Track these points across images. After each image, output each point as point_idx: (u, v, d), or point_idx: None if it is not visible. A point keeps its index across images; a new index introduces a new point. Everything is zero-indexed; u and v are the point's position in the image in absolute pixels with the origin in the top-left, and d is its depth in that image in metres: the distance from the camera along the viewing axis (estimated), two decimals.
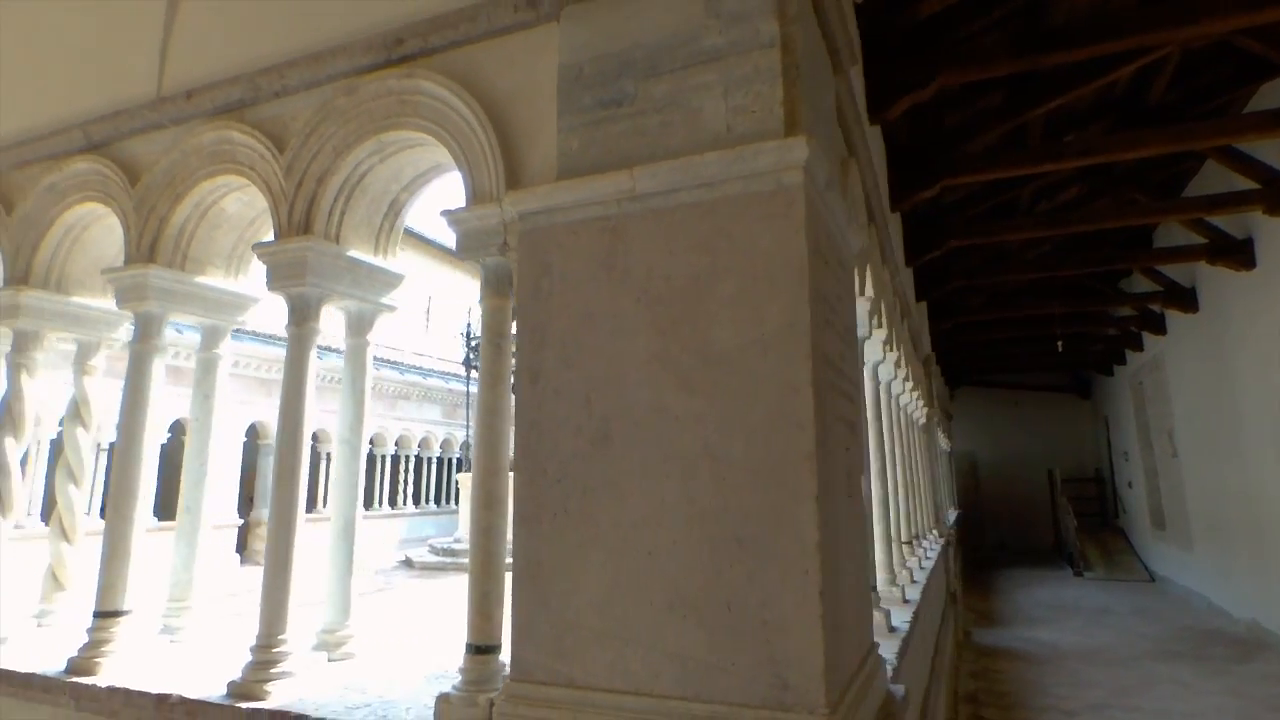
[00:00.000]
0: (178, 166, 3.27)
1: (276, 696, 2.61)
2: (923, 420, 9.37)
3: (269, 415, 15.36)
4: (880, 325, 4.73)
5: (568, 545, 2.21)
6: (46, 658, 3.14)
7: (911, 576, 5.42)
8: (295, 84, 3.01)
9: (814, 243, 2.19)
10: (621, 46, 2.41)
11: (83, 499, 3.75)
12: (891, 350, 5.43)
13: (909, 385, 7.25)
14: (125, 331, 3.82)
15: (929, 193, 6.65)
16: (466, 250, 2.61)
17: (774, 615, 1.96)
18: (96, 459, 12.18)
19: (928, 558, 6.97)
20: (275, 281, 2.96)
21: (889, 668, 2.99)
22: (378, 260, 3.18)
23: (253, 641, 2.76)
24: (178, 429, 13.16)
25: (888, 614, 3.76)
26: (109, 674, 2.94)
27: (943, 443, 15.84)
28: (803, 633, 1.93)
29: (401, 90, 2.81)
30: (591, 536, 2.19)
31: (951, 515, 15.13)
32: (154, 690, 2.74)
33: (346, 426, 3.15)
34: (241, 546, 15.69)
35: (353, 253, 3.07)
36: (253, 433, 15.86)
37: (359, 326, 3.21)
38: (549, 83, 2.54)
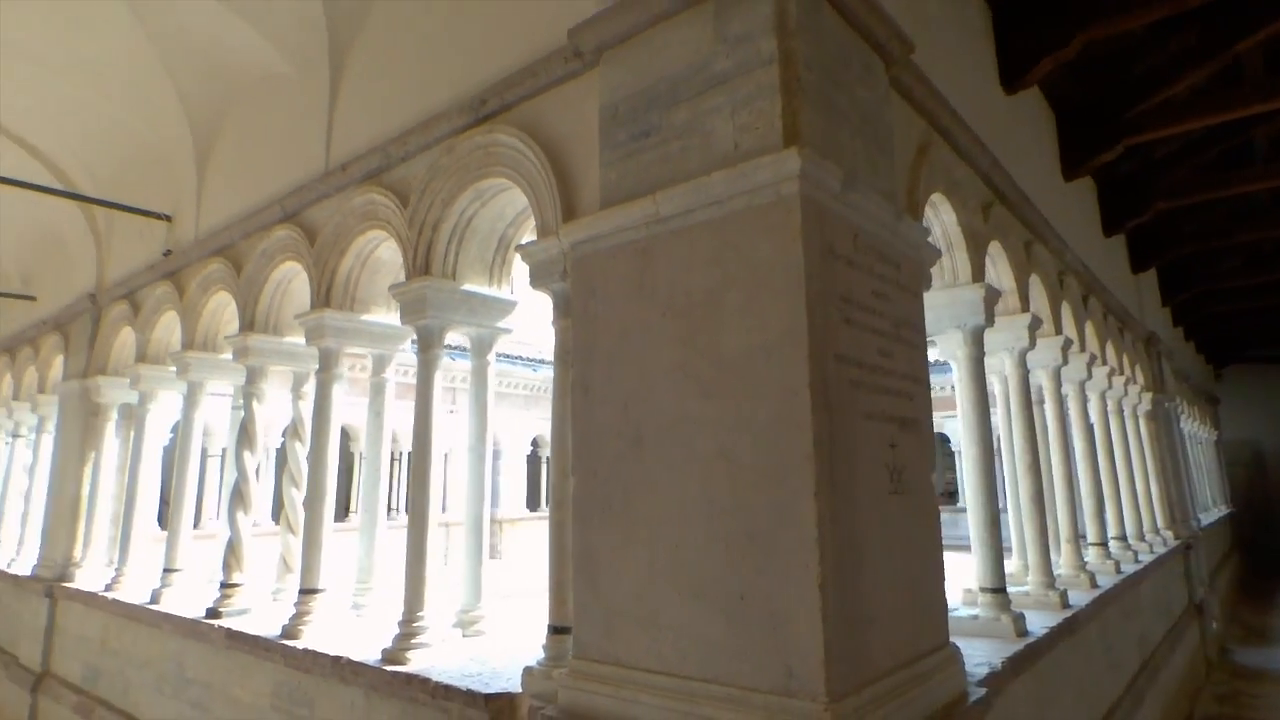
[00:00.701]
0: (340, 226, 3.99)
1: (415, 662, 3.14)
2: (1146, 407, 8.30)
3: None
4: (1023, 309, 4.41)
5: (613, 539, 2.47)
6: (271, 625, 3.98)
7: (1094, 580, 4.93)
8: (413, 149, 3.58)
9: (824, 246, 2.26)
10: (648, 82, 2.63)
11: (301, 499, 4.63)
12: (1053, 334, 4.99)
13: (1107, 369, 6.52)
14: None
15: (1109, 155, 5.97)
16: (536, 280, 2.97)
17: (780, 606, 2.07)
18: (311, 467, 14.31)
19: (1138, 560, 6.20)
20: (405, 316, 3.53)
21: (985, 670, 2.88)
22: (491, 290, 3.65)
23: (399, 617, 3.33)
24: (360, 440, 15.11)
25: (1019, 617, 3.54)
26: (307, 639, 3.67)
27: (1202, 431, 13.71)
28: (804, 624, 2.02)
29: (486, 144, 3.24)
30: (632, 531, 2.43)
31: (1214, 513, 13.04)
32: (332, 653, 3.40)
33: (474, 435, 3.65)
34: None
35: (467, 286, 3.56)
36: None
37: (479, 349, 3.70)
38: (595, 123, 2.81)
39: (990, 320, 3.85)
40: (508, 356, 16.50)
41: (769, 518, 2.13)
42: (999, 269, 4.43)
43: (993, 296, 3.85)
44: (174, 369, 5.30)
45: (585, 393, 2.65)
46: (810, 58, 2.38)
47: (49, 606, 6.01)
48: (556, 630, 2.73)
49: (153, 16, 4.59)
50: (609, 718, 2.34)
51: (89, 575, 5.94)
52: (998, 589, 3.62)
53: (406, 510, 4.66)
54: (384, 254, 4.08)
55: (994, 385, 4.62)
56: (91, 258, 6.60)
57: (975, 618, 3.60)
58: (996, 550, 3.67)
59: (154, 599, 4.84)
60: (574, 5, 2.89)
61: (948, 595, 2.72)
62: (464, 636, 3.45)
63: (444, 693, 2.87)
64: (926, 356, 2.82)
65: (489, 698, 2.73)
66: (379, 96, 3.89)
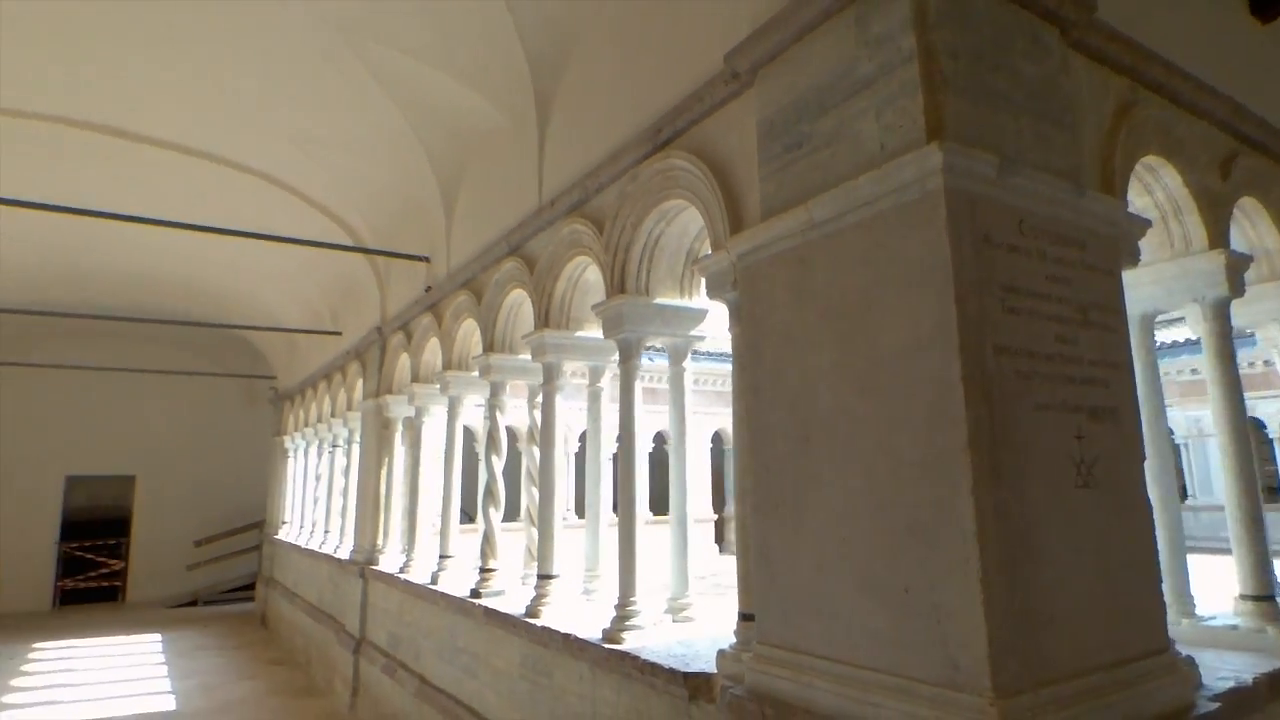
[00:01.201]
0: (553, 255, 4.52)
1: (628, 642, 3.50)
2: None
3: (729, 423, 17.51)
4: None
5: (786, 532, 2.62)
6: (519, 605, 4.60)
7: None
8: (605, 180, 3.97)
9: (977, 236, 2.23)
10: (798, 94, 2.74)
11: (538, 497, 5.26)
12: None
13: None
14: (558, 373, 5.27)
15: None
16: (711, 291, 3.19)
17: (942, 600, 2.10)
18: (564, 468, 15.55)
19: None
20: (607, 331, 3.93)
21: (1230, 684, 2.57)
22: (682, 302, 3.93)
23: (614, 601, 3.72)
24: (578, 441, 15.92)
25: None
26: (545, 618, 4.21)
27: None
28: (967, 618, 2.03)
29: (664, 169, 3.53)
30: (802, 524, 2.56)
31: None
32: (563, 630, 3.88)
33: (676, 437, 3.95)
34: (719, 538, 18.14)
35: (659, 300, 3.87)
36: (717, 439, 18.22)
37: (676, 356, 3.99)
38: (755, 139, 2.97)
39: (1238, 290, 3.37)
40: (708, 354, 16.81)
41: (929, 511, 2.15)
42: (1259, 228, 3.83)
43: (1239, 263, 3.36)
44: (438, 386, 6.26)
45: (756, 394, 2.82)
46: (956, 46, 2.35)
47: (362, 585, 7.35)
48: (744, 617, 2.92)
49: (401, 94, 5.51)
50: (789, 700, 2.49)
51: (389, 559, 7.17)
52: (1263, 596, 3.16)
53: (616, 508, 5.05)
54: (591, 276, 4.53)
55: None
56: (376, 297, 7.96)
57: (1235, 628, 3.18)
58: (1259, 552, 3.21)
59: (433, 580, 5.76)
60: (731, 30, 3.07)
61: (1210, 602, 2.48)
62: (674, 622, 3.75)
63: (650, 669, 3.18)
64: (1126, 339, 2.60)
65: (687, 676, 3.00)
66: (576, 137, 4.36)
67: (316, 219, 7.75)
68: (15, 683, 8.65)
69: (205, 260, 9.59)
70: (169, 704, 7.67)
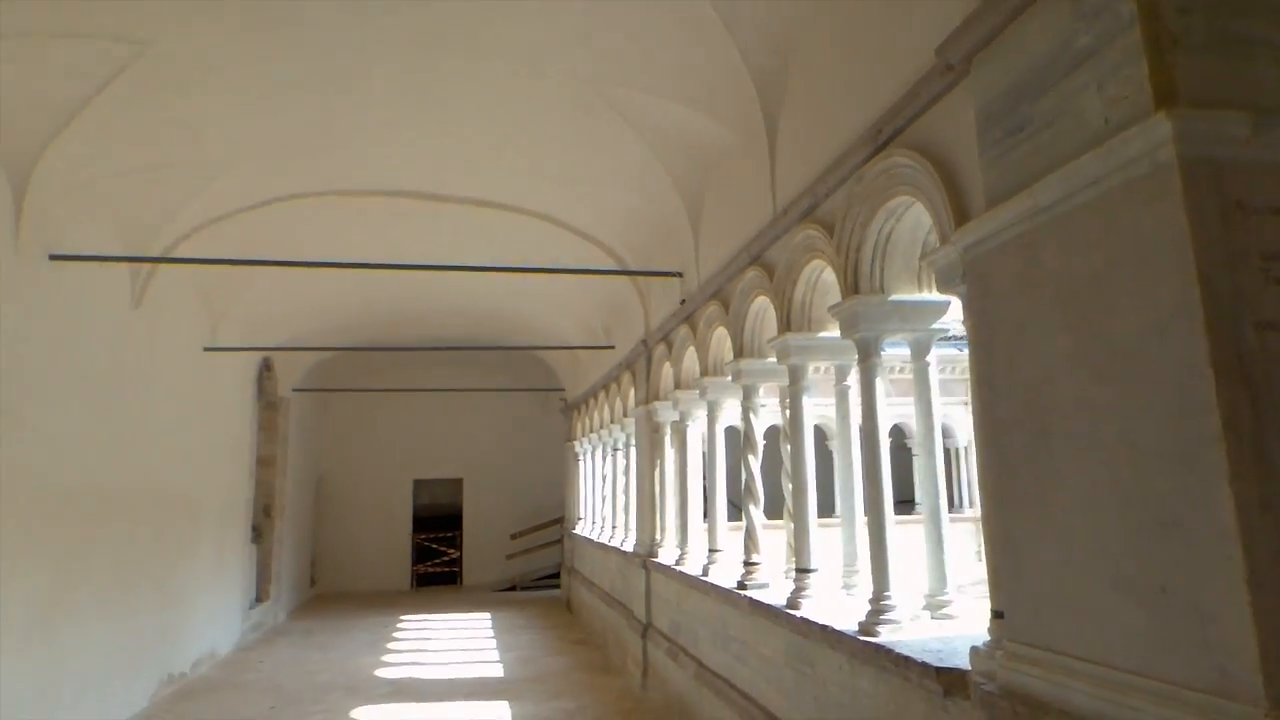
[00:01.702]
0: (789, 261, 4.70)
1: (884, 635, 3.57)
2: None
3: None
4: None
5: (1030, 527, 2.56)
6: (780, 597, 4.83)
7: None
8: (832, 184, 4.08)
9: (1225, 205, 2.05)
10: (1015, 77, 2.67)
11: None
12: None
13: None
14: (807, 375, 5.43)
15: None
16: (941, 285, 3.17)
17: (1203, 601, 1.97)
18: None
19: None
20: (844, 332, 4.02)
21: None
22: (921, 296, 3.90)
23: (869, 595, 3.80)
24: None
25: None
26: (805, 609, 4.39)
27: None
28: (1233, 622, 1.89)
29: (887, 168, 3.55)
30: (1045, 519, 2.49)
31: None
32: (820, 622, 4.05)
33: (923, 431, 3.92)
34: None
35: (896, 296, 3.88)
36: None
37: (918, 351, 3.96)
38: (974, 129, 2.92)
39: None
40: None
41: (1181, 506, 2.02)
42: None
43: None
44: (697, 392, 6.71)
45: (990, 388, 2.77)
46: (1187, 1, 2.15)
47: (645, 576, 8.07)
48: (996, 614, 2.87)
49: (644, 127, 6.04)
50: (1042, 699, 2.44)
51: (666, 552, 7.79)
52: None
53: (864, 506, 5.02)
54: (828, 278, 4.63)
55: None
56: (640, 312, 8.69)
57: None
58: None
59: (704, 572, 6.20)
60: (941, 22, 3.05)
61: None
62: (932, 618, 3.72)
63: (904, 663, 3.24)
64: None
65: (940, 671, 3.02)
66: (803, 146, 4.51)
67: (585, 247, 8.68)
68: (390, 645, 10.76)
69: (503, 292, 11.13)
70: (498, 671, 9.06)
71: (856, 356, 4.02)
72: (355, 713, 7.44)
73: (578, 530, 13.64)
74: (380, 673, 9.12)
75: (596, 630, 10.81)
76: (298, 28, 5.13)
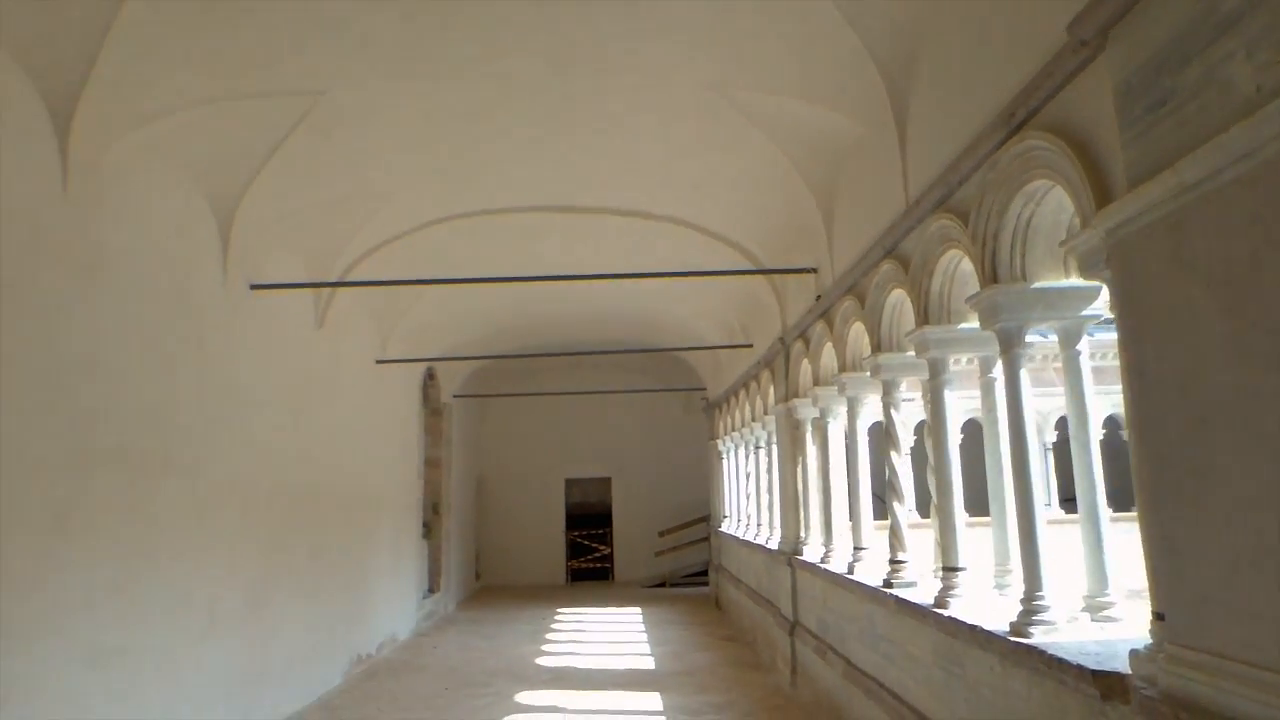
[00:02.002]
0: (924, 253, 4.59)
1: (1036, 636, 3.44)
2: None
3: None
4: None
5: (1188, 525, 2.42)
6: (928, 596, 4.72)
7: None
8: (965, 172, 3.96)
9: None
10: (1155, 48, 2.52)
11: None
12: None
13: None
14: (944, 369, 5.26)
15: None
16: (1084, 271, 3.02)
17: None
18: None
19: None
20: (983, 323, 3.90)
21: None
22: (1068, 282, 3.71)
23: (1020, 595, 3.66)
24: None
25: None
26: (953, 609, 4.28)
27: None
28: None
29: (1021, 152, 3.42)
30: (1205, 517, 2.35)
31: None
32: (969, 622, 3.94)
33: (1076, 424, 3.73)
34: None
35: (1039, 284, 3.71)
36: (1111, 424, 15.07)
37: (1067, 340, 3.77)
38: (1112, 106, 2.77)
39: None
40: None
41: None
42: None
43: None
44: (835, 388, 6.65)
45: (1141, 377, 2.63)
46: None
47: (791, 573, 8.05)
48: (1156, 615, 2.71)
49: (772, 127, 6.07)
50: (1205, 706, 2.30)
51: (811, 550, 7.75)
52: None
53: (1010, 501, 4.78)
54: (966, 268, 4.48)
55: None
56: (776, 310, 8.68)
57: None
58: None
59: (849, 570, 6.14)
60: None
61: None
62: (1092, 620, 3.54)
63: (1057, 665, 3.12)
64: None
65: (1096, 674, 2.88)
66: (934, 134, 4.39)
67: (719, 248, 8.78)
68: (548, 636, 11.36)
69: (643, 296, 11.43)
70: (649, 664, 9.35)
71: (998, 348, 3.88)
72: (520, 696, 7.95)
73: (723, 528, 13.74)
74: (540, 661, 9.67)
75: (744, 627, 10.87)
76: (443, 68, 5.61)
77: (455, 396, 14.74)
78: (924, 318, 4.65)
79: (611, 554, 17.98)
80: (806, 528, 7.96)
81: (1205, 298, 2.32)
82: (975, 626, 3.86)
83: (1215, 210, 2.27)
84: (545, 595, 15.77)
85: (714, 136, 6.52)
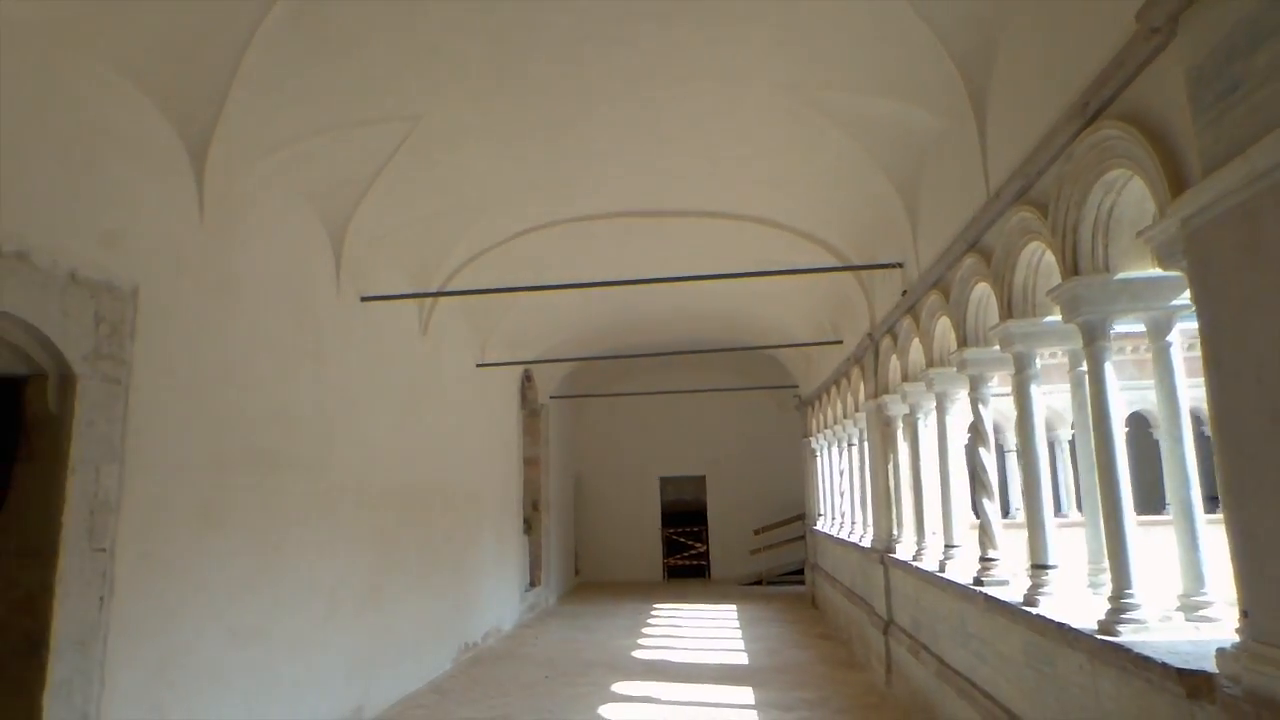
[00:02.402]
0: (1006, 245, 4.52)
1: (1124, 635, 3.38)
2: None
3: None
4: None
5: (1269, 520, 2.37)
6: (1018, 594, 4.64)
7: None
8: (1042, 164, 3.89)
9: None
10: (1225, 32, 2.48)
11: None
12: None
13: None
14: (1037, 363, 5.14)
15: None
16: (1162, 261, 2.96)
17: None
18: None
19: None
20: (1065, 316, 3.83)
21: None
22: (1152, 272, 3.60)
23: (1108, 594, 3.59)
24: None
25: None
26: (1042, 607, 4.21)
27: None
28: None
29: (1096, 142, 3.36)
30: None
31: None
32: (1056, 619, 3.88)
33: (1166, 419, 3.62)
34: None
35: (1123, 274, 3.62)
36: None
37: (1156, 331, 3.65)
38: (1185, 93, 2.72)
39: None
40: None
41: None
42: None
43: None
44: (923, 384, 6.56)
45: (1218, 368, 2.58)
46: None
47: (884, 571, 7.97)
48: (1243, 613, 2.64)
49: (851, 124, 6.08)
50: None
51: (903, 548, 7.65)
52: None
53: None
54: (1049, 260, 4.39)
55: None
56: (864, 306, 8.60)
57: None
58: None
59: (941, 568, 6.06)
60: None
61: None
62: (1186, 620, 3.43)
63: (1143, 663, 3.06)
64: None
65: (1181, 672, 2.83)
66: (1012, 126, 4.33)
67: (805, 246, 8.78)
68: (645, 630, 11.62)
69: (733, 296, 11.50)
70: (743, 659, 9.44)
71: (1081, 341, 3.81)
72: (616, 686, 8.23)
73: (818, 526, 13.63)
74: (636, 654, 9.93)
75: (840, 625, 10.78)
76: (528, 85, 5.93)
77: (552, 397, 15.25)
78: (1007, 311, 4.58)
79: (707, 551, 18.11)
80: (899, 525, 7.86)
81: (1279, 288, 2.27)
82: (1064, 625, 3.80)
83: None
84: (642, 591, 16.06)
85: (794, 136, 6.57)
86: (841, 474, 11.57)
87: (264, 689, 5.61)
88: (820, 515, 13.76)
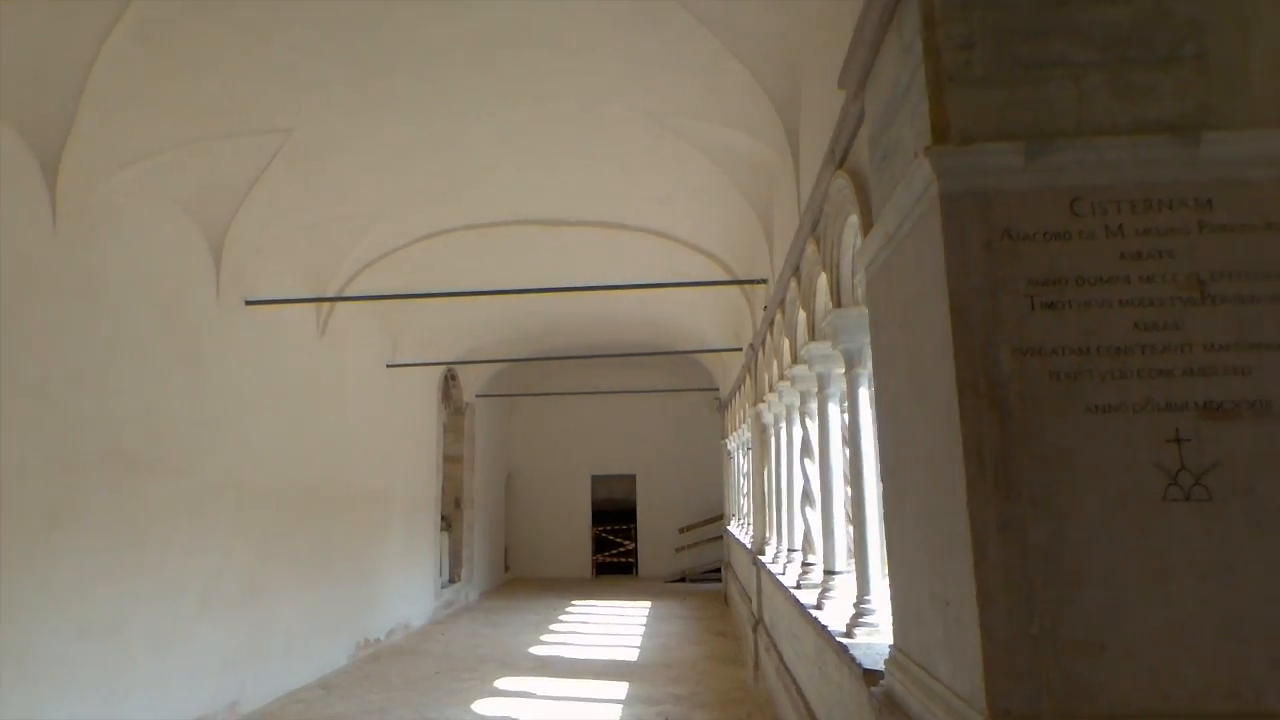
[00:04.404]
0: (808, 273, 4.85)
1: (859, 637, 3.70)
2: None
3: None
4: None
5: (894, 536, 2.69)
6: (813, 597, 4.98)
7: None
8: (819, 200, 4.22)
9: (987, 236, 2.16)
10: (882, 106, 2.80)
11: None
12: None
13: None
14: None
15: None
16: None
17: (961, 614, 2.08)
18: None
19: None
20: (833, 342, 4.15)
21: None
22: None
23: (851, 599, 3.92)
24: None
25: None
26: (825, 609, 4.55)
27: None
28: (970, 633, 2.00)
29: (838, 188, 3.68)
30: (902, 529, 2.62)
31: None
32: (822, 621, 4.21)
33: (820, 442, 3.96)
34: None
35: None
36: None
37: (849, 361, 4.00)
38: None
39: None
40: None
41: (950, 525, 2.13)
42: None
43: None
44: (778, 394, 6.90)
45: (878, 402, 2.90)
46: (970, 35, 2.23)
47: (757, 572, 8.32)
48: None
49: (706, 146, 6.40)
50: (900, 704, 2.58)
51: (769, 549, 7.99)
52: None
53: None
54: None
55: None
56: (749, 317, 8.94)
57: None
58: None
59: (783, 570, 6.40)
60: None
61: None
62: None
63: (852, 663, 3.39)
64: None
65: (866, 671, 3.16)
66: (810, 161, 4.66)
67: (698, 259, 9.10)
68: (552, 627, 11.89)
69: (647, 302, 11.77)
70: (634, 656, 9.76)
71: (843, 367, 4.14)
72: (499, 681, 8.49)
73: (730, 526, 14.01)
74: (533, 650, 10.19)
75: (737, 623, 11.15)
76: (397, 103, 6.14)
77: (478, 396, 15.43)
78: (810, 334, 4.91)
79: (635, 549, 18.44)
80: (770, 528, 8.22)
81: (896, 338, 2.59)
82: (825, 626, 4.13)
83: (901, 259, 2.55)
84: (568, 588, 16.33)
85: (660, 156, 6.86)
86: (746, 476, 11.95)
87: (121, 684, 5.77)
88: (733, 515, 14.14)
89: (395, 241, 8.93)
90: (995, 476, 2.00)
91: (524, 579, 17.87)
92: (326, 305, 9.14)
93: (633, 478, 18.65)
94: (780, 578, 6.28)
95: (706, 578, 16.85)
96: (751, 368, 8.99)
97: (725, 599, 14.25)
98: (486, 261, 9.89)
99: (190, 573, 6.66)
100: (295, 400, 8.55)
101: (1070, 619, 1.93)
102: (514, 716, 7.16)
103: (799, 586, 5.49)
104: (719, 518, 16.77)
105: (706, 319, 12.24)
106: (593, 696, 7.83)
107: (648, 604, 14.08)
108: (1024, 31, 2.23)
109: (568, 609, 13.62)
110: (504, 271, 9.87)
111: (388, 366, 11.06)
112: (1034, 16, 2.23)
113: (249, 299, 7.57)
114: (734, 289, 9.35)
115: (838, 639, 3.76)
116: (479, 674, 8.86)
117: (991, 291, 2.08)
